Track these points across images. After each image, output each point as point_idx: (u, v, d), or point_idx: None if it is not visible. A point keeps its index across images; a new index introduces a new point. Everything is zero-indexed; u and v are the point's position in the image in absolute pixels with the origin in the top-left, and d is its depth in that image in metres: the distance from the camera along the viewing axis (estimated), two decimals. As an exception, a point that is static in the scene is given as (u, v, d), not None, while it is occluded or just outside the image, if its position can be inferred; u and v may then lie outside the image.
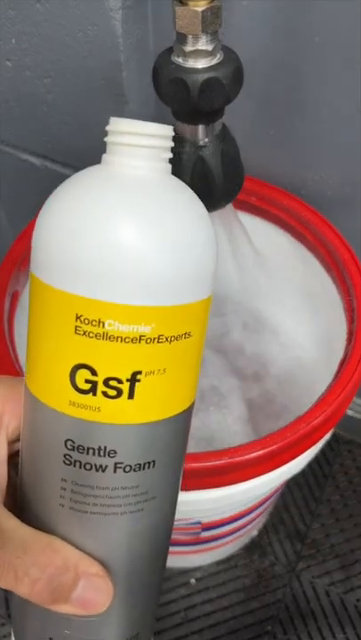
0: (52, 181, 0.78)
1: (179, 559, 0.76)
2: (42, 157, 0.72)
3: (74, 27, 0.56)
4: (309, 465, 0.90)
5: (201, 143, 0.42)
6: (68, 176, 0.69)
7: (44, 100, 0.65)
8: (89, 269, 0.24)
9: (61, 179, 0.68)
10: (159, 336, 0.24)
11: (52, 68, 0.61)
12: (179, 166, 0.43)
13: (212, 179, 0.42)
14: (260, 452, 0.41)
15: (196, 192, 0.44)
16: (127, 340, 0.24)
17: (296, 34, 0.52)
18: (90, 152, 0.66)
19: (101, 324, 0.24)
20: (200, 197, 0.44)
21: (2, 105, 0.69)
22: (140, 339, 0.24)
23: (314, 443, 0.46)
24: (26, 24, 0.59)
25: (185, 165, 0.42)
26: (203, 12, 0.35)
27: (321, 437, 0.47)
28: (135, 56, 0.58)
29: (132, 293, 0.24)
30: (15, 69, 0.64)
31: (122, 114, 0.60)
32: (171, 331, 0.25)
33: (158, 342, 0.25)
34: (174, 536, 0.61)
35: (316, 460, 0.90)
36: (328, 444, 0.91)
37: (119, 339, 0.24)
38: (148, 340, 0.24)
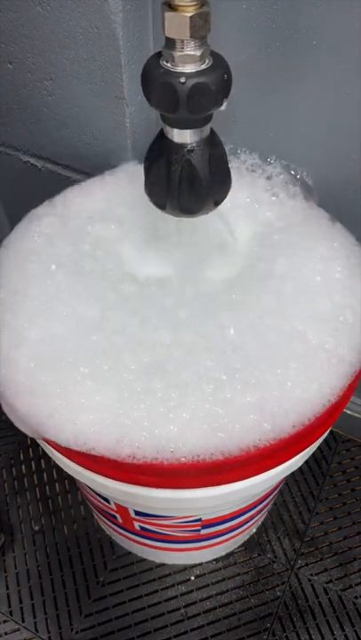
0: (53, 183, 0.78)
1: (179, 556, 0.77)
2: (43, 159, 0.72)
3: (75, 29, 0.57)
4: (308, 464, 0.90)
5: (189, 147, 0.42)
6: (68, 178, 0.70)
7: (45, 102, 0.65)
8: None
9: (62, 180, 0.69)
10: None
11: (52, 71, 0.62)
12: (167, 170, 0.43)
13: (200, 182, 0.43)
14: (258, 451, 0.42)
15: (183, 195, 0.45)
16: None
17: (295, 37, 0.52)
18: (90, 154, 0.66)
19: None
20: (187, 200, 0.45)
21: (3, 107, 0.69)
22: None
23: (312, 442, 0.47)
24: (27, 27, 0.59)
25: (173, 169, 0.43)
26: (192, 17, 0.36)
27: (319, 436, 0.47)
28: (135, 58, 0.58)
29: None
30: (16, 72, 0.64)
31: (122, 115, 0.61)
32: None
33: None
34: (174, 533, 0.62)
35: (314, 459, 0.90)
36: (326, 442, 0.92)
37: None
38: None
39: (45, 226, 0.54)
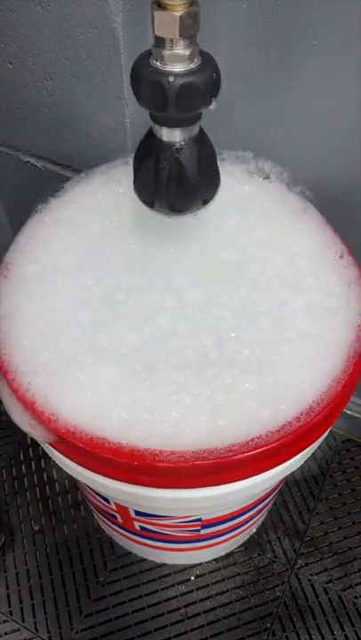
0: (53, 183, 0.78)
1: (179, 556, 0.77)
2: (43, 159, 0.72)
3: (75, 29, 0.57)
4: (308, 463, 0.90)
5: (178, 146, 0.42)
6: (68, 178, 0.70)
7: (44, 102, 0.65)
8: None
9: (62, 180, 0.69)
10: None
11: (52, 71, 0.62)
12: (155, 168, 0.43)
13: (188, 180, 0.43)
14: (258, 451, 0.42)
15: (171, 193, 0.45)
16: None
17: (295, 37, 0.52)
18: (90, 154, 0.66)
19: None
20: (176, 199, 0.45)
21: (3, 107, 0.69)
22: None
23: (312, 441, 0.47)
24: (27, 27, 0.59)
25: (161, 167, 0.43)
26: (181, 16, 0.36)
27: (319, 436, 0.47)
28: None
29: None
30: (16, 72, 0.64)
31: (122, 115, 0.61)
32: None
33: None
34: (174, 533, 0.62)
35: (314, 459, 0.90)
36: (326, 442, 0.92)
37: None
38: None
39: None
